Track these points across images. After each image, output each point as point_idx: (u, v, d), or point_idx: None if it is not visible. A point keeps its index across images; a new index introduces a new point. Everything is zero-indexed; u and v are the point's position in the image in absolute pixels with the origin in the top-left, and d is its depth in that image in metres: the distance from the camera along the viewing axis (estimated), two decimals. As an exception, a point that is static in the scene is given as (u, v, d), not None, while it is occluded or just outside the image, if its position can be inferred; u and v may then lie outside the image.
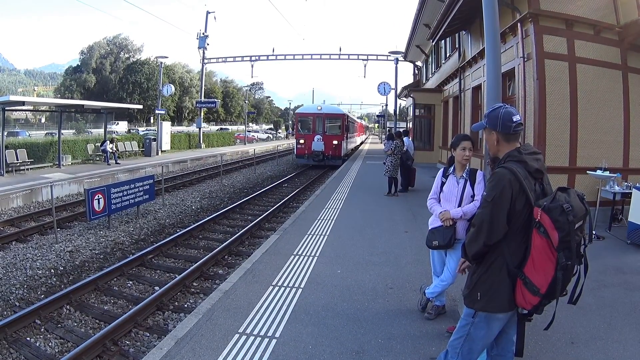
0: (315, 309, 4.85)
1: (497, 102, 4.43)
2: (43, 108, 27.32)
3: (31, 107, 27.12)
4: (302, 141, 25.72)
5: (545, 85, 9.85)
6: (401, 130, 18.17)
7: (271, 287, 5.51)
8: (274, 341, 4.14)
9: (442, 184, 4.46)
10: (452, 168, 4.41)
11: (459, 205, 4.24)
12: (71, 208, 13.67)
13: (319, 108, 26.90)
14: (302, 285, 5.57)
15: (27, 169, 18.62)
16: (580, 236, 2.46)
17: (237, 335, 4.25)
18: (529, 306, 2.56)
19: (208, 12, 36.23)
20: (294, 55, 32.66)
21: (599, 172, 8.86)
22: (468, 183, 4.27)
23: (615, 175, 8.88)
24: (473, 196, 4.21)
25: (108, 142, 22.32)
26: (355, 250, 7.24)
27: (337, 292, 5.38)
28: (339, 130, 26.29)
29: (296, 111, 29.40)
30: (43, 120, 61.77)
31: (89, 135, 30.25)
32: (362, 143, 52.06)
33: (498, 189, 2.55)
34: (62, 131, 22.17)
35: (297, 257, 6.84)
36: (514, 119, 2.70)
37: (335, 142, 25.44)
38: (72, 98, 59.00)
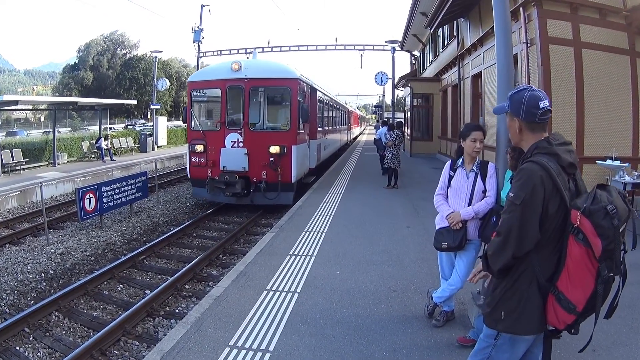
0: (313, 317, 4.49)
1: (508, 87, 4.07)
2: (38, 106, 26.77)
3: (26, 107, 26.69)
4: (199, 149, 11.57)
5: (550, 72, 9.50)
6: (387, 120, 17.83)
7: (265, 292, 5.15)
8: (267, 355, 3.77)
9: (450, 178, 4.05)
10: (460, 160, 4.02)
11: (470, 202, 3.87)
12: (65, 208, 13.40)
13: (236, 67, 11.35)
14: (298, 290, 5.20)
15: (23, 169, 18.33)
16: (622, 241, 2.08)
17: (227, 349, 3.89)
18: (562, 325, 2.21)
19: (203, 6, 35.62)
20: (289, 46, 31.98)
21: (608, 161, 8.52)
22: (479, 177, 3.88)
23: (625, 165, 8.56)
24: (485, 192, 3.85)
25: (102, 139, 22.06)
26: (354, 249, 6.88)
27: (337, 296, 5.02)
28: (286, 119, 11.75)
29: (189, 79, 12.98)
30: (42, 119, 61.33)
31: (85, 133, 29.89)
32: (357, 136, 48.14)
33: (528, 189, 2.15)
34: (60, 129, 21.91)
35: (293, 257, 6.48)
36: (541, 105, 2.28)
37: (275, 149, 11.05)
38: (70, 96, 58.54)
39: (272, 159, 10.93)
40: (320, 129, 15.85)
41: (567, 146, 2.29)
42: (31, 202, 13.97)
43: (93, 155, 22.64)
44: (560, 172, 2.19)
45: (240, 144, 11.16)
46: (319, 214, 9.39)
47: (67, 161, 21.43)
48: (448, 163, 4.16)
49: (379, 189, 12.56)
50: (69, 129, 40.79)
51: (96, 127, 33.63)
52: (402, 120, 23.04)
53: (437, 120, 23.17)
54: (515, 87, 2.46)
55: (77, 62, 71.32)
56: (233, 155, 11.14)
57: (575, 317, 2.13)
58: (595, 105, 9.55)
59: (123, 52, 74.12)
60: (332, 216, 9.12)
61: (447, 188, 4.05)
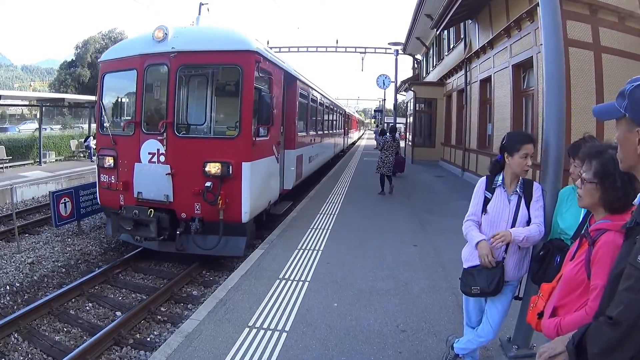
0: (304, 369, 3.61)
1: (560, 84, 3.29)
2: (23, 102, 26.07)
3: (10, 102, 25.95)
4: (109, 162, 7.50)
5: (570, 77, 8.76)
6: (391, 125, 17.36)
7: (247, 330, 4.26)
8: None
9: (486, 201, 3.14)
10: (500, 179, 3.12)
11: None
12: (45, 210, 12.57)
13: (160, 36, 6.98)
14: (287, 327, 4.30)
15: (7, 167, 17.57)
16: None
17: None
18: None
19: (201, 4, 34.98)
20: (289, 47, 31.25)
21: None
22: (522, 201, 3.03)
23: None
24: (529, 221, 3.00)
25: (91, 137, 21.26)
26: (355, 272, 5.99)
27: (333, 337, 4.13)
28: (234, 118, 7.36)
29: (101, 58, 8.16)
30: (39, 115, 60.97)
31: (77, 131, 29.11)
32: (356, 142, 46.21)
33: None
34: (52, 127, 21.30)
35: (283, 282, 5.59)
36: None
37: (214, 168, 6.77)
38: (67, 92, 58.09)
39: (209, 183, 6.75)
40: (303, 134, 11.93)
41: None
42: (10, 203, 13.17)
43: (82, 155, 21.96)
44: None
45: (161, 158, 7.03)
46: (315, 227, 8.53)
47: (55, 160, 20.85)
48: (482, 181, 3.24)
49: (380, 200, 11.73)
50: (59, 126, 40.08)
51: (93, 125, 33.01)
52: (399, 125, 22.21)
53: (440, 127, 22.45)
54: (634, 78, 1.59)
55: (74, 59, 70.82)
56: (151, 175, 7.10)
57: None
58: (615, 113, 8.86)
59: (121, 50, 73.69)
60: (329, 231, 8.26)
61: (482, 214, 3.14)
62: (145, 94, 7.32)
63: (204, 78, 8.24)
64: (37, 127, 29.15)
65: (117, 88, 8.45)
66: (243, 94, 7.00)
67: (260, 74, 7.35)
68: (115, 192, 7.43)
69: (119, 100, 8.72)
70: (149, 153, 7.08)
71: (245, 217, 7.03)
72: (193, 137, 7.59)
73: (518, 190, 3.05)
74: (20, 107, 50.77)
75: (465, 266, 3.20)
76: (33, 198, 14.21)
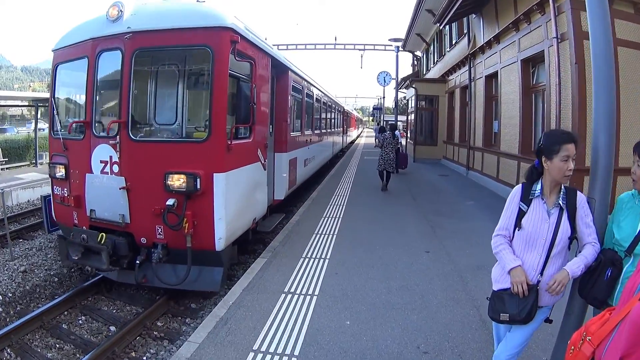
0: (317, 402, 3.19)
1: (609, 78, 2.90)
2: (18, 102, 25.73)
3: (17, 102, 25.66)
4: (60, 172, 6.19)
5: (585, 71, 8.40)
6: (391, 123, 17.73)
7: (252, 355, 3.82)
8: None
9: (521, 213, 2.68)
10: (538, 188, 2.67)
11: (549, 253, 2.57)
12: (40, 214, 12.18)
13: (114, 14, 5.52)
14: (296, 352, 3.86)
15: (3, 169, 17.53)
16: None
17: None
18: None
19: (198, 1, 34.63)
20: (287, 45, 30.87)
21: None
22: (565, 214, 2.58)
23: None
24: (571, 238, 2.59)
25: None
26: (366, 284, 5.54)
27: None
28: (203, 116, 6.28)
29: (54, 46, 6.54)
30: (39, 116, 61.11)
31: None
32: (355, 140, 45.17)
33: None
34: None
35: (289, 296, 5.13)
36: None
37: (178, 181, 5.27)
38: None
39: (171, 201, 5.31)
40: (297, 134, 10.56)
41: None
42: (3, 207, 12.86)
43: (79, 156, 21.64)
44: None
45: (115, 168, 5.62)
46: (320, 232, 8.08)
47: (52, 161, 20.46)
48: (517, 191, 2.77)
49: (385, 201, 11.33)
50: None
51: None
52: (399, 123, 21.97)
53: (442, 124, 22.02)
54: None
55: (72, 58, 70.92)
56: (104, 189, 5.70)
57: None
58: (631, 110, 8.54)
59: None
60: (334, 236, 7.80)
61: (515, 229, 2.70)
62: (97, 88, 5.87)
63: (167, 65, 6.52)
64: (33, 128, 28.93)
65: (71, 82, 6.84)
66: (214, 83, 5.46)
67: (238, 59, 5.80)
68: (69, 208, 6.15)
69: (73, 96, 7.06)
70: (101, 161, 5.70)
71: (219, 245, 5.57)
72: (152, 141, 5.98)
73: (561, 203, 2.61)
74: (20, 108, 50.73)
75: (495, 288, 2.79)
76: (28, 201, 13.95)
